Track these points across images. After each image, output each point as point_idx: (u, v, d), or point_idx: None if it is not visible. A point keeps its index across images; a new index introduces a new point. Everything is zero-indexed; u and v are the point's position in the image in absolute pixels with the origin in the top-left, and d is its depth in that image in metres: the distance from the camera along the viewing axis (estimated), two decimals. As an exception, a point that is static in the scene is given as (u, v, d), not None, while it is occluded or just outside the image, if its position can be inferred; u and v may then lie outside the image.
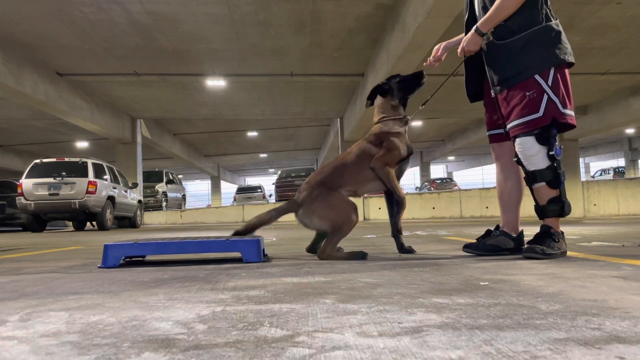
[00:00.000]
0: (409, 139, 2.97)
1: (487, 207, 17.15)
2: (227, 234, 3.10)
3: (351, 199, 2.83)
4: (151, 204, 20.77)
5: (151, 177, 21.56)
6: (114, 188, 12.28)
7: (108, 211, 11.71)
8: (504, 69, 2.57)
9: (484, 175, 30.90)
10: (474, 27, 2.63)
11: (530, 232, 2.79)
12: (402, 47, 9.07)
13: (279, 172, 24.24)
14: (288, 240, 4.81)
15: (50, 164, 11.42)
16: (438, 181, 30.32)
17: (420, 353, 0.89)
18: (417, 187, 32.40)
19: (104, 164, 12.27)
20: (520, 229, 2.84)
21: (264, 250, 2.78)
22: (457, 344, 0.94)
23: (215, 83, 13.96)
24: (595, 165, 38.95)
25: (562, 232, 2.61)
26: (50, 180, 11.08)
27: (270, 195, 28.89)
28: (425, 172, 33.51)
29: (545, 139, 2.48)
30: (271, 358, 0.88)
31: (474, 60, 2.79)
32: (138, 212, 14.33)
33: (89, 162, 11.52)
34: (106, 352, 0.94)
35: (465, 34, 2.75)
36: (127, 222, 13.99)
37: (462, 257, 2.73)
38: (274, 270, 2.22)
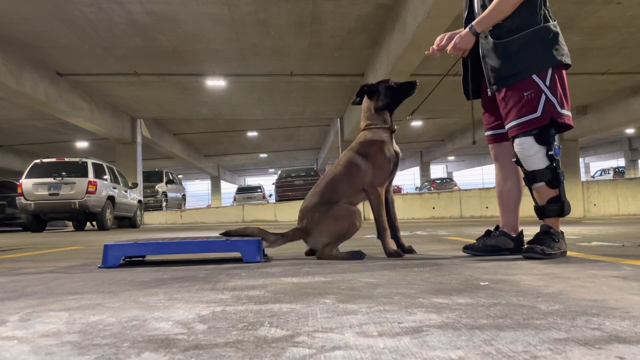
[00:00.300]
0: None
1: (487, 207, 17.15)
2: (227, 234, 3.09)
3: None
4: (151, 204, 20.77)
5: (151, 177, 21.57)
6: (114, 188, 12.28)
7: (108, 211, 11.72)
8: (501, 68, 2.57)
9: (483, 175, 30.93)
10: (469, 26, 2.64)
11: (530, 232, 2.79)
12: (402, 47, 9.08)
13: (279, 172, 24.26)
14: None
15: (50, 164, 11.42)
16: (438, 181, 30.34)
17: (420, 353, 0.89)
18: (417, 187, 32.42)
19: (104, 164, 12.27)
20: (520, 229, 2.84)
21: (264, 250, 2.78)
22: (457, 344, 0.94)
23: (215, 83, 13.97)
24: (595, 165, 38.95)
25: (562, 232, 2.61)
26: (50, 180, 11.08)
27: (270, 195, 28.90)
28: (425, 172, 33.51)
29: (544, 139, 2.48)
30: (271, 358, 0.88)
31: (471, 59, 2.79)
32: (138, 212, 14.33)
33: (89, 162, 11.52)
34: (106, 352, 0.94)
35: None
36: (127, 222, 13.99)
37: (462, 257, 2.73)
38: (274, 270, 2.22)
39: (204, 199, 36.83)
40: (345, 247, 3.00)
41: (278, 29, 10.42)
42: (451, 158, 37.23)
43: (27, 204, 10.96)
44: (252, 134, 24.02)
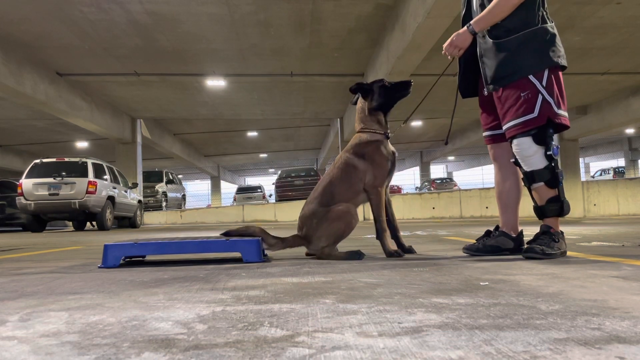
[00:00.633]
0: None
1: (487, 207, 17.16)
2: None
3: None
4: (151, 204, 20.76)
5: (151, 177, 21.56)
6: (114, 188, 12.28)
7: (108, 211, 11.71)
8: (498, 67, 2.57)
9: (483, 175, 30.87)
10: (467, 25, 2.64)
11: (530, 232, 2.79)
12: (402, 47, 9.07)
13: (279, 172, 24.26)
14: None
15: (50, 164, 11.42)
16: (438, 181, 30.33)
17: (420, 353, 0.89)
18: (417, 187, 32.41)
19: (104, 164, 12.27)
20: (519, 229, 2.84)
21: (263, 250, 2.78)
22: (457, 344, 0.94)
23: (215, 83, 13.97)
24: (595, 165, 38.94)
25: (562, 232, 2.61)
26: (50, 180, 11.08)
27: (270, 195, 28.90)
28: (425, 172, 33.51)
29: (542, 139, 2.48)
30: (271, 358, 0.88)
31: (468, 57, 2.79)
32: (138, 212, 14.33)
33: (89, 162, 11.52)
34: (106, 352, 0.94)
35: None
36: (127, 222, 13.99)
37: (462, 257, 2.73)
38: (274, 270, 2.22)
39: (204, 199, 36.83)
40: (345, 247, 3.01)
41: (278, 29, 10.42)
42: (451, 158, 37.23)
43: (27, 204, 10.96)
44: (252, 134, 24.02)
